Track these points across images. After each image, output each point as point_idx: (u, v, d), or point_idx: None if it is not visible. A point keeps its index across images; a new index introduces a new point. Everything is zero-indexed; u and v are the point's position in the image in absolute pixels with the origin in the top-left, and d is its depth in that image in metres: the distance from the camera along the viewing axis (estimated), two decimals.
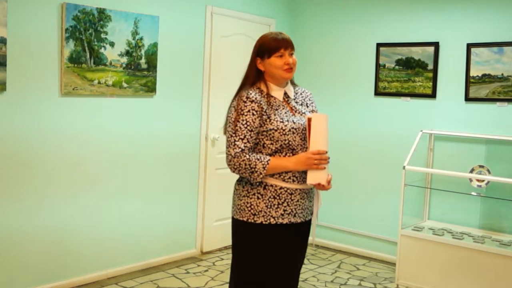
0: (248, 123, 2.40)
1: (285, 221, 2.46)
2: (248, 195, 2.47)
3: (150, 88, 4.39)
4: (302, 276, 4.41)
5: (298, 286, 2.69)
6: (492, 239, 4.28)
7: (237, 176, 2.62)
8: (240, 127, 2.40)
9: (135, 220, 4.41)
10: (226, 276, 4.39)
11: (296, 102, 2.59)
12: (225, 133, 2.58)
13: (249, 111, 2.41)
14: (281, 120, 2.44)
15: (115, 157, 4.22)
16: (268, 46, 2.49)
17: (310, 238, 2.70)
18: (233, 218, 2.56)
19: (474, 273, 4.11)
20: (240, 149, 2.39)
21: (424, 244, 4.33)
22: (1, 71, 3.48)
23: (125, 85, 4.20)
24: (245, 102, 2.42)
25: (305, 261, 4.93)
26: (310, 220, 2.59)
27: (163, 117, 4.55)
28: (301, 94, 2.65)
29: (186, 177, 4.80)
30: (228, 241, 5.01)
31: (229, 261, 4.61)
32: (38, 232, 3.80)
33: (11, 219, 3.65)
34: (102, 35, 4.01)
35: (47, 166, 3.81)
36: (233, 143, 2.40)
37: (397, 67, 4.96)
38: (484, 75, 4.48)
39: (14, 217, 3.66)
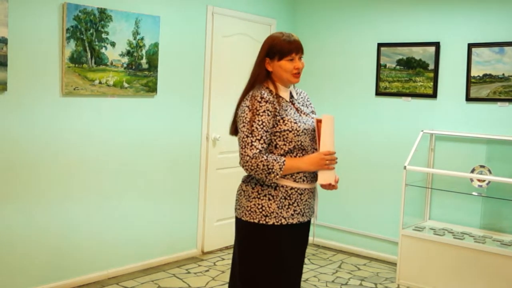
0: (264, 124, 2.39)
1: (295, 221, 2.47)
2: (258, 196, 2.46)
3: (151, 88, 4.39)
4: (303, 276, 4.40)
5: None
6: (493, 239, 4.27)
7: (239, 176, 2.61)
8: (257, 128, 2.39)
9: (136, 220, 4.41)
10: (227, 276, 4.39)
11: (298, 103, 2.60)
12: (231, 133, 2.58)
13: (264, 111, 2.40)
14: (295, 121, 2.44)
15: (116, 157, 4.22)
16: (280, 48, 2.46)
17: (310, 238, 2.72)
18: (240, 220, 2.52)
19: (475, 273, 4.11)
20: (258, 150, 2.38)
21: (425, 244, 4.33)
22: (2, 71, 3.48)
23: (126, 85, 4.20)
24: (260, 102, 2.40)
25: (306, 261, 4.93)
26: (311, 218, 2.63)
27: (164, 117, 4.55)
28: (300, 95, 2.65)
29: (187, 177, 4.80)
30: (229, 241, 5.02)
31: (230, 261, 4.61)
32: (38, 232, 3.80)
33: (12, 219, 3.65)
34: (103, 35, 4.01)
35: (48, 166, 3.81)
36: (250, 144, 2.38)
37: (398, 67, 4.96)
38: (485, 75, 4.48)
39: (14, 217, 3.66)
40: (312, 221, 2.64)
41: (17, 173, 3.66)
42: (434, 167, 4.76)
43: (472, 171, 4.41)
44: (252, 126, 2.39)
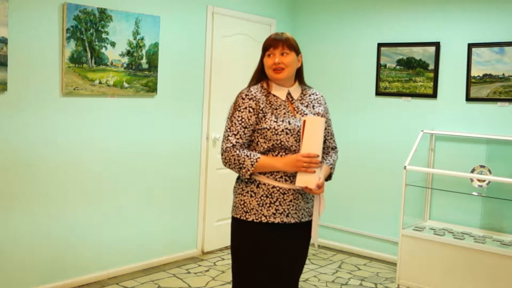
0: (243, 120, 2.44)
1: (277, 220, 2.46)
2: (242, 192, 2.51)
3: (151, 88, 4.39)
4: (303, 276, 4.41)
5: (299, 286, 2.69)
6: (493, 239, 4.27)
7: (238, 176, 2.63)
8: (235, 123, 2.45)
9: (136, 220, 4.41)
10: (227, 276, 4.39)
11: (301, 103, 2.57)
12: None
13: (245, 108, 2.45)
14: (275, 120, 2.45)
15: (116, 157, 4.22)
16: (264, 45, 2.55)
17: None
18: (231, 215, 2.62)
19: (475, 273, 4.11)
20: (231, 144, 2.43)
21: (425, 244, 4.33)
22: (2, 71, 3.48)
23: (126, 85, 4.20)
24: (243, 99, 2.46)
25: (306, 261, 4.91)
26: (308, 222, 2.56)
27: (164, 117, 4.55)
28: (309, 96, 2.62)
29: (187, 177, 4.80)
30: (229, 241, 5.02)
31: (230, 261, 4.61)
32: (39, 232, 3.80)
33: (11, 219, 3.65)
34: (103, 35, 4.01)
35: (48, 166, 3.81)
36: (226, 138, 2.46)
37: (398, 67, 4.96)
38: (485, 75, 4.48)
39: (14, 217, 3.66)
40: (313, 225, 2.58)
41: (17, 173, 3.66)
42: (434, 167, 4.76)
43: (472, 171, 4.41)
44: (232, 121, 2.46)
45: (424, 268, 4.34)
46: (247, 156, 2.41)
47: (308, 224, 2.57)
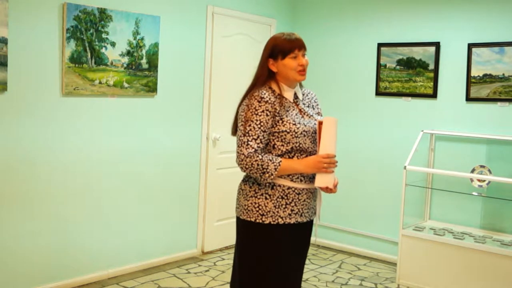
0: (261, 124, 2.40)
1: (293, 220, 2.47)
2: (255, 195, 2.47)
3: (151, 88, 4.39)
4: (303, 276, 4.40)
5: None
6: (493, 239, 4.27)
7: (240, 176, 2.62)
8: (254, 127, 2.40)
9: (136, 220, 4.41)
10: (227, 276, 4.39)
11: (304, 104, 2.59)
12: (233, 133, 2.58)
13: (263, 111, 2.41)
14: (294, 123, 2.44)
15: (115, 157, 4.22)
16: (282, 47, 2.47)
17: (312, 238, 2.71)
18: (239, 219, 2.56)
19: (475, 273, 4.11)
20: (253, 150, 2.39)
21: (425, 244, 4.33)
22: (2, 71, 3.48)
23: (126, 85, 4.20)
24: (259, 102, 2.41)
25: (306, 261, 4.91)
26: (313, 219, 2.61)
27: (164, 117, 4.55)
28: (307, 95, 2.65)
29: (187, 177, 4.80)
30: (229, 241, 5.02)
31: (230, 261, 4.60)
32: (39, 232, 3.80)
33: (11, 219, 3.65)
34: (103, 35, 4.01)
35: (48, 166, 3.81)
36: (246, 143, 2.40)
37: (398, 67, 4.96)
38: (485, 75, 4.48)
39: (14, 217, 3.66)
40: (314, 221, 2.64)
41: (17, 173, 3.66)
42: (434, 167, 4.76)
43: (472, 171, 4.41)
44: (250, 125, 2.40)
45: (424, 268, 4.34)
46: (270, 160, 2.39)
47: (312, 220, 2.61)
